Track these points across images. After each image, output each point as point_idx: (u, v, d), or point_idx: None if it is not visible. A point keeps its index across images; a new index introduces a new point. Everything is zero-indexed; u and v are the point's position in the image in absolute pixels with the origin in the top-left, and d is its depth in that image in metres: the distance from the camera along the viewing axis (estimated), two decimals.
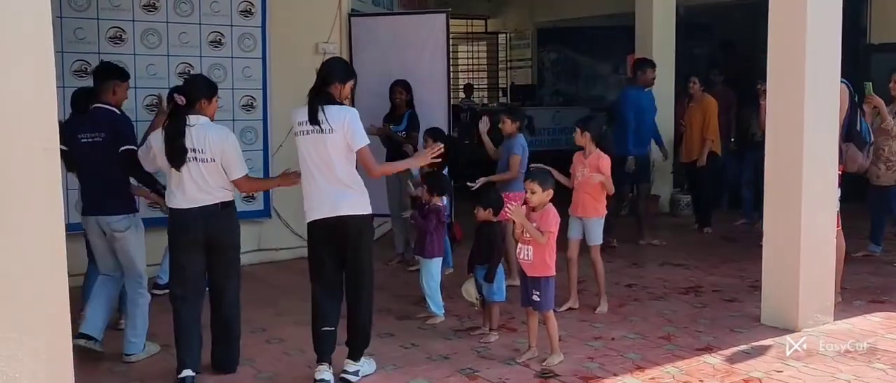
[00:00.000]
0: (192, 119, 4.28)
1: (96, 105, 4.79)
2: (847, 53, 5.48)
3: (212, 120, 4.41)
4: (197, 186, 4.29)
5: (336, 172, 4.23)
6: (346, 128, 4.20)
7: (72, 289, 3.02)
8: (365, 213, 4.34)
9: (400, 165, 5.12)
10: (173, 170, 4.30)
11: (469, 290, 5.12)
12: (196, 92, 4.35)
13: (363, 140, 4.26)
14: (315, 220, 4.32)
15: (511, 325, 5.31)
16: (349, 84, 4.37)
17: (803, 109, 5.04)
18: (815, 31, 5.03)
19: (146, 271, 4.90)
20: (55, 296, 2.83)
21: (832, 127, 5.23)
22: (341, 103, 4.30)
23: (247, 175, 4.45)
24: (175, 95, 4.36)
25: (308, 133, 4.22)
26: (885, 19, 9.79)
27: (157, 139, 4.39)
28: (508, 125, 6.14)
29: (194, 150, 4.26)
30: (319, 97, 4.24)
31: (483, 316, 5.23)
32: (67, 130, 4.64)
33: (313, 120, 4.18)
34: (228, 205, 4.42)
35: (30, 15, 2.68)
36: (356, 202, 4.30)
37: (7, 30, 2.63)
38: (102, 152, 4.67)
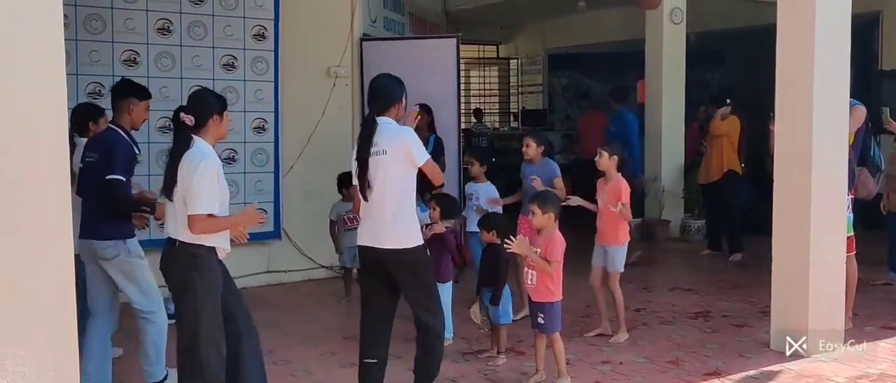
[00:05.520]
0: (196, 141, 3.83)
1: (108, 124, 4.66)
2: (858, 79, 5.47)
3: (218, 140, 3.96)
4: (173, 219, 3.85)
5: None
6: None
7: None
8: None
9: None
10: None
11: (476, 313, 5.11)
12: (206, 109, 3.88)
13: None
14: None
15: (519, 348, 5.29)
16: (404, 97, 4.21)
17: (812, 133, 5.03)
18: (823, 56, 5.03)
19: (151, 295, 4.47)
20: (63, 314, 2.84)
21: (841, 151, 5.21)
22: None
23: (210, 214, 3.69)
24: (182, 115, 3.89)
25: None
26: None
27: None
28: (533, 149, 5.98)
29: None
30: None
31: (491, 338, 5.22)
32: (83, 150, 4.62)
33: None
34: (183, 244, 3.78)
35: (42, 33, 2.71)
36: None
37: (19, 47, 2.67)
38: (92, 175, 4.41)
